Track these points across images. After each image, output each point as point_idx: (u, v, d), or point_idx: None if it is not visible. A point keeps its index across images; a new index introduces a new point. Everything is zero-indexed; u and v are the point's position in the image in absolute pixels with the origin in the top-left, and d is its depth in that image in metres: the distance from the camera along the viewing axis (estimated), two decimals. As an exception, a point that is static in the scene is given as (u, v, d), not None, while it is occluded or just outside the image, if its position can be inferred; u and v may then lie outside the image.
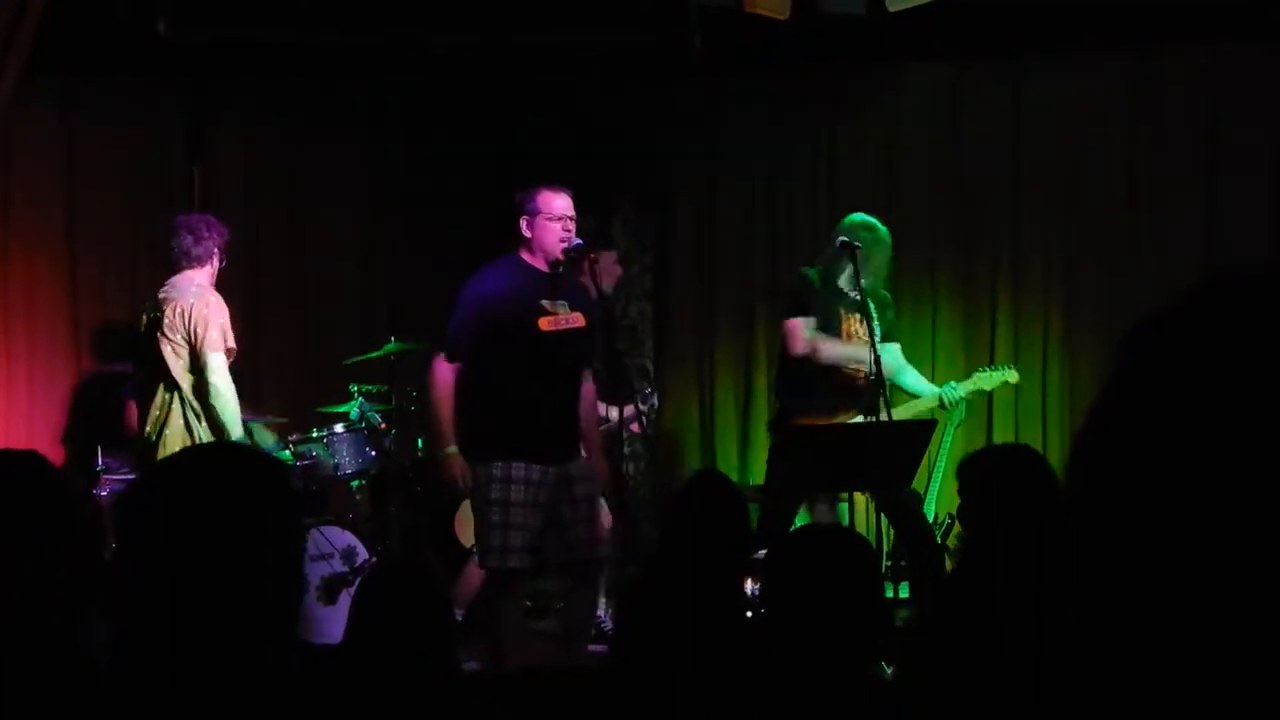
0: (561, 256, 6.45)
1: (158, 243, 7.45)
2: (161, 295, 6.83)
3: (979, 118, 9.31)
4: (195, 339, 6.67)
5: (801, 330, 7.31)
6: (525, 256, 6.49)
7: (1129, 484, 0.91)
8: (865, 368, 7.09)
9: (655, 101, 10.05)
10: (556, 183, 6.58)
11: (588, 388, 6.74)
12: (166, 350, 6.72)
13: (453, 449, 6.41)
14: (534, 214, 6.44)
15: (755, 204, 9.97)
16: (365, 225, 9.97)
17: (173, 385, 6.74)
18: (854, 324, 7.29)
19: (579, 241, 6.47)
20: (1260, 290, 0.92)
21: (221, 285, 7.96)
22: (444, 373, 6.43)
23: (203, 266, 6.90)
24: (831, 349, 7.26)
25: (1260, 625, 0.86)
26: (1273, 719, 0.86)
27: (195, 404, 6.69)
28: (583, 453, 6.68)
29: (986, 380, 7.69)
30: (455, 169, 10.05)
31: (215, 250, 6.94)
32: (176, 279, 6.87)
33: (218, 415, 6.70)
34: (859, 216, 7.44)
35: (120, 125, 8.92)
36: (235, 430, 6.73)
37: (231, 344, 6.80)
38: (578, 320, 6.49)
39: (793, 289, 7.64)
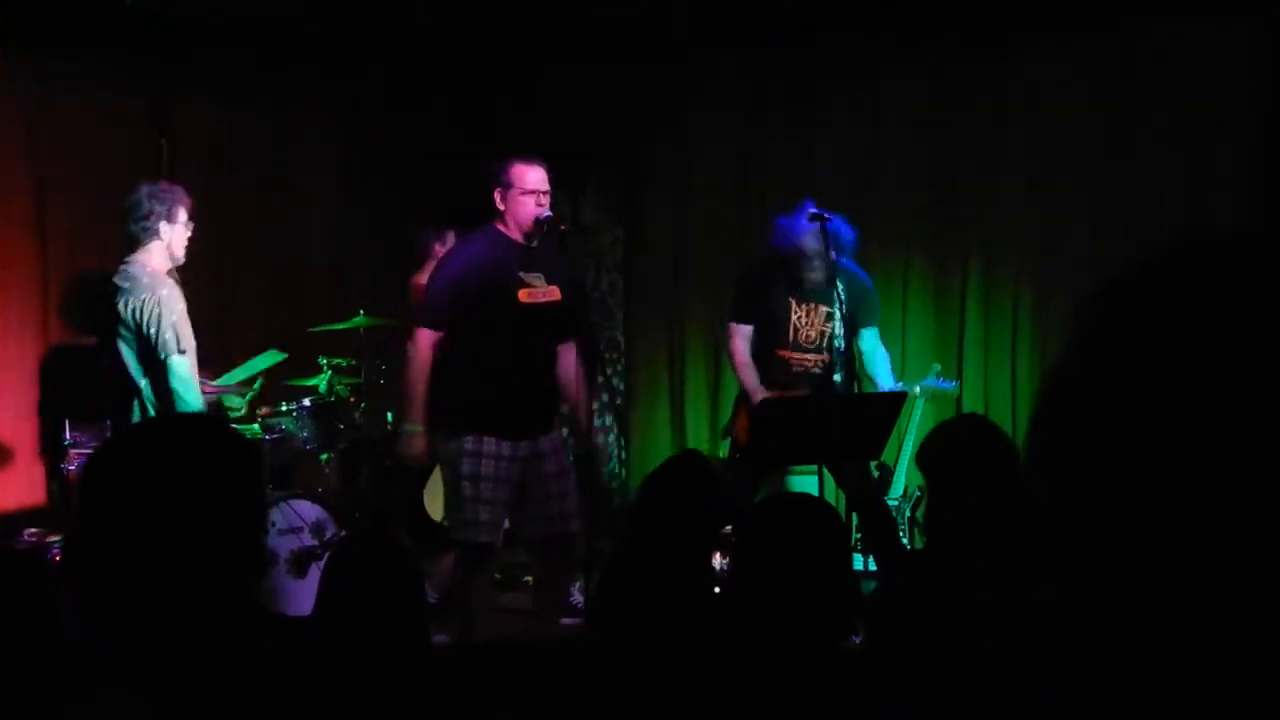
0: (532, 228, 6.45)
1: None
2: (116, 280, 6.44)
3: (954, 99, 9.30)
4: (150, 340, 6.29)
5: (736, 338, 7.45)
6: (501, 229, 6.49)
7: (1089, 441, 0.91)
8: (814, 360, 7.32)
9: (630, 77, 10.04)
10: (529, 155, 6.56)
11: (569, 356, 6.75)
12: (122, 347, 6.38)
13: (417, 427, 6.42)
14: (507, 187, 6.44)
15: (728, 179, 9.96)
16: (335, 197, 9.95)
17: (130, 386, 6.38)
18: (804, 315, 7.31)
19: (549, 213, 6.46)
20: (1228, 254, 0.92)
21: (189, 257, 7.94)
22: (425, 346, 6.43)
23: (149, 243, 6.47)
24: (740, 372, 7.42)
25: (1224, 587, 0.86)
26: (1243, 685, 0.86)
27: (157, 406, 6.35)
28: (555, 426, 6.69)
29: (927, 391, 7.77)
30: (426, 142, 10.05)
31: (162, 223, 6.48)
32: (129, 265, 6.44)
33: None
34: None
35: (87, 96, 8.84)
36: None
37: (187, 344, 6.37)
38: (554, 294, 6.49)
39: (738, 285, 7.69)
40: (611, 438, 9.91)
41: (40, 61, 8.64)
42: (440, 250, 8.09)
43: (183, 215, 6.55)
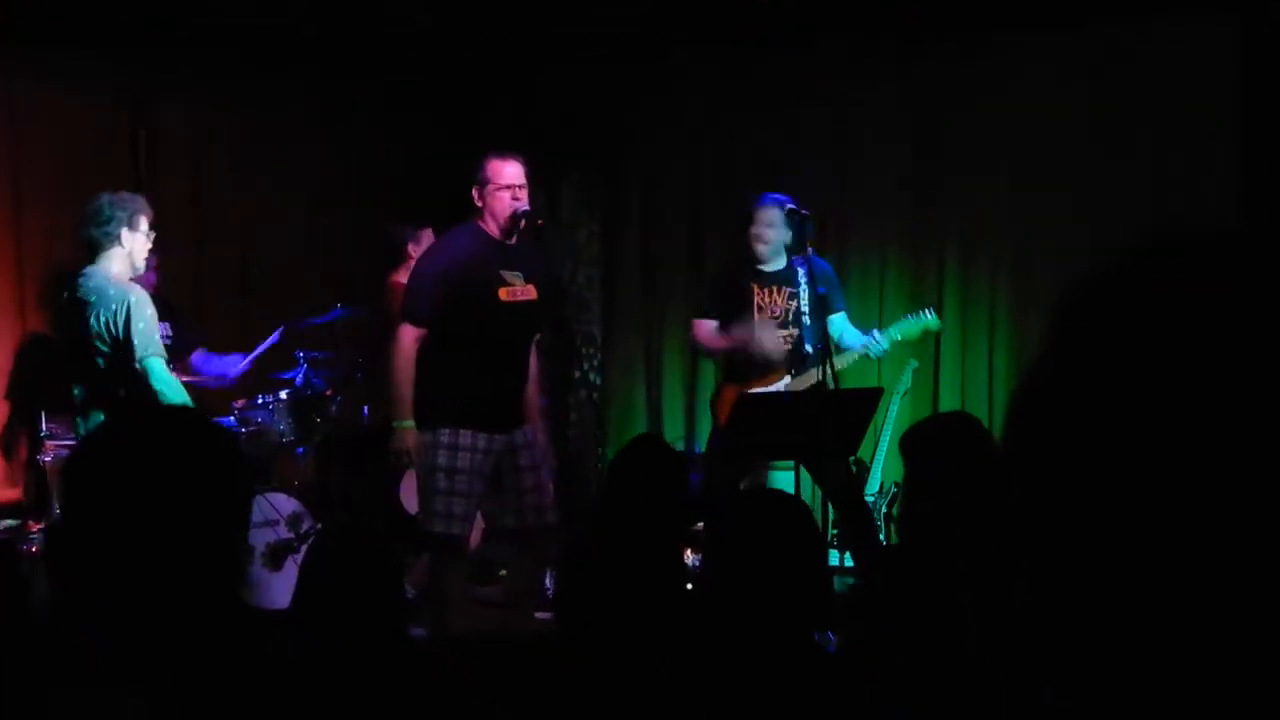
0: (509, 223, 6.46)
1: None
2: (80, 296, 6.35)
3: (931, 94, 9.30)
4: (126, 346, 6.22)
5: (698, 330, 7.57)
6: (482, 225, 6.50)
7: (1065, 445, 0.91)
8: (784, 336, 7.31)
9: (608, 75, 10.04)
10: (505, 149, 6.57)
11: (533, 359, 6.76)
12: (99, 361, 6.31)
13: (407, 423, 6.42)
14: (484, 183, 6.44)
15: (706, 176, 9.96)
16: (313, 190, 9.93)
17: (109, 396, 6.32)
18: (767, 296, 7.35)
19: (526, 208, 6.46)
20: (1199, 255, 0.92)
21: (167, 250, 7.93)
22: (408, 342, 6.43)
23: (110, 250, 6.37)
24: (715, 345, 7.56)
25: (1200, 584, 0.86)
26: (1222, 681, 0.87)
27: None
28: (533, 420, 6.70)
29: (910, 329, 7.64)
30: (405, 133, 10.05)
31: (124, 229, 6.37)
32: (91, 277, 6.35)
33: None
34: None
35: (68, 90, 8.82)
36: None
37: (159, 351, 6.30)
38: (530, 292, 6.50)
39: (705, 286, 7.83)
40: (587, 431, 9.92)
41: (20, 52, 8.60)
42: (415, 249, 8.10)
43: (144, 224, 6.46)
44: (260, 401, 7.94)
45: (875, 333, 7.41)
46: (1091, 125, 8.86)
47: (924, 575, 3.68)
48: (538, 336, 6.87)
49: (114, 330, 6.23)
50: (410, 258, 8.01)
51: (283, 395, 8.00)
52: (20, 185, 8.60)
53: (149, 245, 6.54)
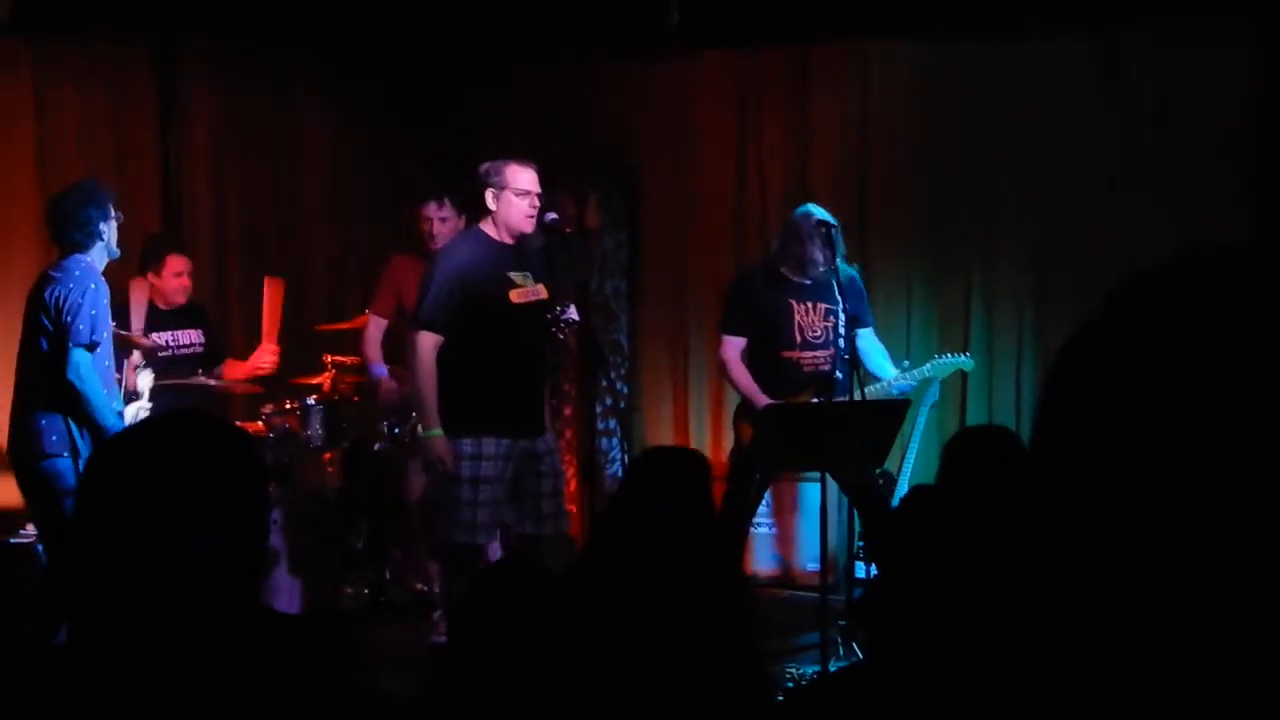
0: (529, 230, 6.50)
1: (129, 199, 7.50)
2: (50, 271, 6.43)
3: (950, 101, 9.27)
4: (63, 328, 6.23)
5: (727, 350, 7.37)
6: (488, 230, 6.56)
7: (1093, 451, 0.91)
8: (824, 356, 7.27)
9: (630, 77, 10.06)
10: (523, 157, 6.61)
11: None
12: (42, 340, 6.33)
13: (436, 430, 6.45)
14: (501, 188, 6.49)
15: (729, 180, 9.96)
16: (338, 192, 9.95)
17: (41, 379, 6.34)
18: (806, 314, 7.30)
19: (554, 215, 6.51)
20: (1242, 264, 0.92)
21: (188, 249, 7.99)
22: (428, 350, 6.48)
23: (92, 246, 6.42)
24: (738, 384, 7.34)
25: (1223, 597, 0.86)
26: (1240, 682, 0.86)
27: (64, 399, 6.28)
28: (550, 427, 6.69)
29: (941, 369, 7.72)
30: (429, 137, 10.07)
31: (102, 224, 6.43)
32: (67, 259, 6.39)
33: (84, 416, 6.25)
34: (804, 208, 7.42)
35: (92, 82, 8.88)
36: (106, 422, 6.23)
37: (98, 338, 6.30)
38: (541, 292, 6.55)
39: (725, 298, 7.64)
40: (615, 440, 9.91)
41: (45, 44, 8.65)
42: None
43: (113, 209, 6.53)
44: (288, 407, 7.97)
45: (907, 366, 7.44)
46: (1121, 135, 8.78)
47: (946, 582, 3.67)
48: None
49: (61, 306, 6.24)
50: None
51: (310, 400, 8.03)
52: (48, 180, 8.64)
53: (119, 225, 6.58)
